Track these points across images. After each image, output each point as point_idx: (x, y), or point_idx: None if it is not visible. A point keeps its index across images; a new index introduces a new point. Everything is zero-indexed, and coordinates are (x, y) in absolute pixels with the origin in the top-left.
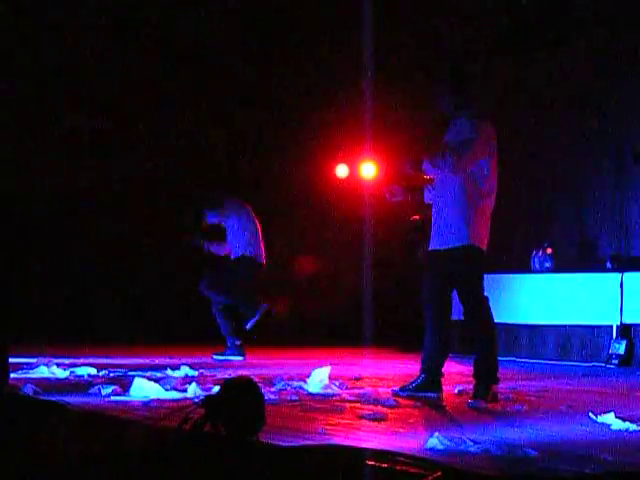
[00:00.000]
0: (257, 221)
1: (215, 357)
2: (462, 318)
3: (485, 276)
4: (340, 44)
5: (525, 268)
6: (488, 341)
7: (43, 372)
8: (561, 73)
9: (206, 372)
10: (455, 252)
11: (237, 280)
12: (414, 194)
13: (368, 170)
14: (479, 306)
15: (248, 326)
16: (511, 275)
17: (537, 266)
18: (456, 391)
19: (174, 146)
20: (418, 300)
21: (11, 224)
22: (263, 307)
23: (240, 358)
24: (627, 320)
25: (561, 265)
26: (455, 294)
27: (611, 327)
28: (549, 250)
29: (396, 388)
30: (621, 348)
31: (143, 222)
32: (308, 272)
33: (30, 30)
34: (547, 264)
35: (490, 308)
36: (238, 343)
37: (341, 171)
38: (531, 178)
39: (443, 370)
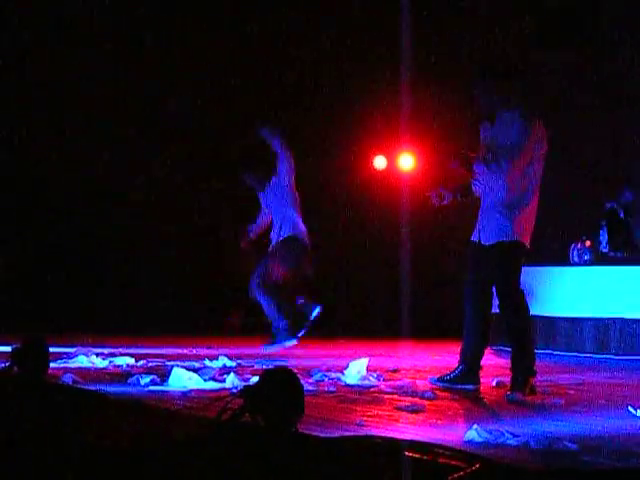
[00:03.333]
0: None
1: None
2: (498, 311)
3: (524, 268)
4: (378, 35)
5: (564, 261)
6: (524, 334)
7: (82, 362)
8: (599, 69)
9: (244, 363)
10: (498, 247)
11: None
12: (463, 194)
13: (406, 162)
14: (515, 299)
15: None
16: (550, 268)
17: (576, 259)
18: (494, 383)
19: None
20: (459, 291)
21: (47, 215)
22: (297, 336)
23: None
24: None
25: (599, 258)
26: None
27: None
28: (588, 243)
29: (434, 377)
30: None
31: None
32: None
33: None
34: (586, 257)
35: (526, 301)
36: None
37: (379, 163)
38: (570, 172)
39: (482, 363)
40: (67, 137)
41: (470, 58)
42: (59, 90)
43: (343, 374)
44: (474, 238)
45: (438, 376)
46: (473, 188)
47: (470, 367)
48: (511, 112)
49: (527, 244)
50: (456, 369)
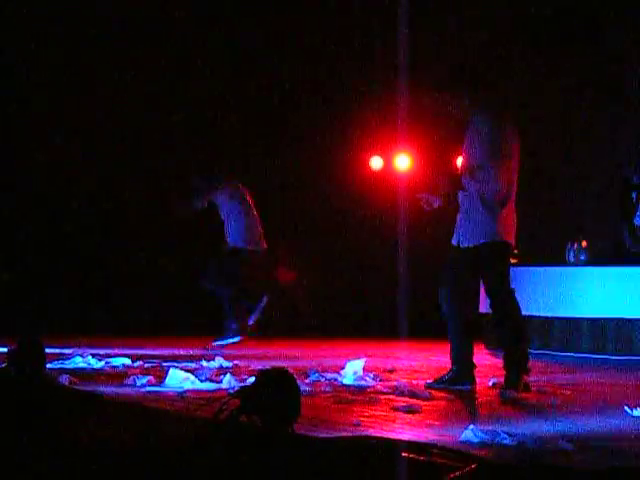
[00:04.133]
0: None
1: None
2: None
3: (520, 269)
4: (375, 35)
5: (560, 261)
6: (516, 332)
7: (79, 362)
8: (603, 65)
9: (240, 363)
10: (483, 248)
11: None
12: (450, 200)
13: (402, 162)
14: (505, 299)
15: (250, 321)
16: (546, 268)
17: (572, 259)
18: (490, 383)
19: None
20: (438, 293)
21: (43, 218)
22: (263, 301)
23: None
24: None
25: (596, 258)
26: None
27: None
28: (584, 243)
29: (430, 381)
30: None
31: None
32: (288, 281)
33: None
34: (582, 257)
35: (516, 300)
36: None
37: (375, 163)
38: (566, 171)
39: (475, 362)
40: (67, 138)
41: (468, 58)
42: (59, 92)
43: (340, 374)
44: (454, 242)
45: (432, 380)
46: (460, 197)
47: (463, 367)
48: (481, 115)
49: (511, 240)
50: (450, 371)
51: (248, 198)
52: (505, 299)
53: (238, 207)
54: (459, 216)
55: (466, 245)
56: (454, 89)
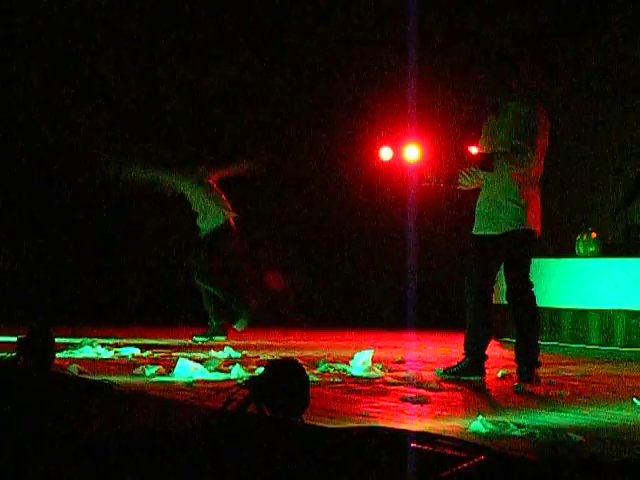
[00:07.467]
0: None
1: (195, 338)
2: (505, 301)
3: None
4: (384, 26)
5: (569, 252)
6: (531, 325)
7: (88, 352)
8: (611, 58)
9: (249, 354)
10: (513, 235)
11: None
12: (448, 182)
13: (412, 153)
14: (524, 290)
15: (239, 329)
16: (555, 259)
17: (581, 250)
18: (499, 375)
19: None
20: (461, 283)
21: (52, 211)
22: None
23: (223, 338)
24: None
25: (605, 249)
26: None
27: None
28: (593, 234)
29: (439, 368)
30: None
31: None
32: (277, 286)
33: None
34: (591, 248)
35: (534, 292)
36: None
37: (385, 154)
38: (577, 161)
39: (487, 353)
40: (69, 132)
41: (478, 48)
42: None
43: (348, 365)
44: (479, 231)
45: (444, 368)
46: (464, 181)
47: (475, 358)
48: (521, 102)
49: (538, 230)
50: (461, 361)
51: (209, 181)
52: (527, 289)
53: (201, 193)
54: (482, 205)
55: (494, 234)
56: (502, 68)
